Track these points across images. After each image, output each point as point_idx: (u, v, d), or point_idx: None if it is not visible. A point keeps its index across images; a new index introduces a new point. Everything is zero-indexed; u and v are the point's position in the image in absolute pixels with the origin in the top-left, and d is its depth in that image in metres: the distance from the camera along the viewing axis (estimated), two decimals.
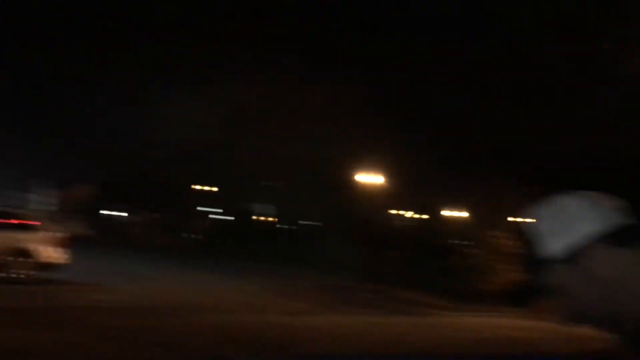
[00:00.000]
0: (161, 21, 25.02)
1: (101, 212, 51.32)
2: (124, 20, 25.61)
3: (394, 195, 23.18)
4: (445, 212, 20.74)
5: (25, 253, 12.20)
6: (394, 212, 26.32)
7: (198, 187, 35.54)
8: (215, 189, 34.51)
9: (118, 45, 24.60)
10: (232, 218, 29.05)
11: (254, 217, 29.73)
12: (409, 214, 26.67)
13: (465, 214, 16.32)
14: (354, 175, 23.01)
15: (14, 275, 12.02)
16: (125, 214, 52.20)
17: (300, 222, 23.86)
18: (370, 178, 23.45)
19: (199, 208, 37.26)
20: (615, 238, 0.96)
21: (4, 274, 11.91)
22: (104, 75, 26.50)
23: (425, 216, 23.03)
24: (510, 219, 14.53)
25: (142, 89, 24.90)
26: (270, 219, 30.20)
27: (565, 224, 1.00)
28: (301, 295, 13.65)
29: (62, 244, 12.86)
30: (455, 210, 19.93)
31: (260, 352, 7.26)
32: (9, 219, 12.71)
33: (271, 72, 24.10)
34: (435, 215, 20.06)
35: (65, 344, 6.92)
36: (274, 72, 24.08)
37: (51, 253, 12.49)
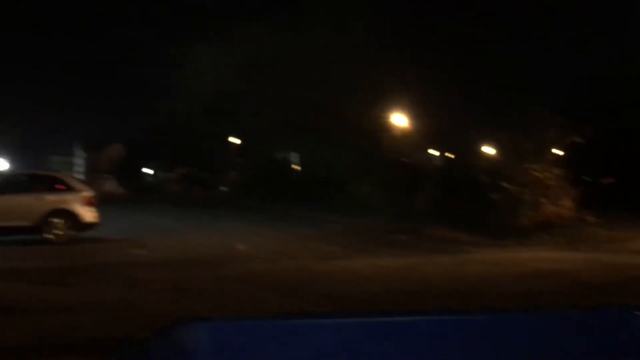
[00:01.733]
0: None
1: (133, 170, 52.13)
2: None
3: (424, 135, 22.80)
4: (479, 148, 20.31)
5: (66, 214, 12.54)
6: (424, 152, 25.98)
7: (232, 139, 35.54)
8: (242, 141, 34.51)
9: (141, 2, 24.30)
10: (262, 168, 29.04)
11: (284, 166, 29.71)
12: (440, 153, 26.30)
13: (498, 149, 15.92)
14: (382, 117, 22.63)
15: (56, 236, 12.38)
16: (157, 171, 52.91)
17: (330, 167, 23.71)
18: (398, 119, 23.05)
19: (227, 160, 37.45)
20: None
21: (48, 235, 12.30)
22: (129, 33, 26.28)
23: (457, 154, 22.64)
24: (546, 150, 14.14)
25: (170, 46, 24.67)
26: (299, 167, 30.15)
27: None
28: (335, 240, 13.63)
29: (97, 203, 13.13)
30: (488, 146, 19.49)
31: (301, 296, 7.24)
32: (50, 181, 13.07)
33: (296, 19, 23.56)
34: (468, 152, 19.65)
35: (115, 299, 6.99)
36: (299, 18, 23.54)
37: (88, 212, 12.77)
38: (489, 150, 19.86)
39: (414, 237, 14.03)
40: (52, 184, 13.10)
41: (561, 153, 14.27)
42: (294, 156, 30.41)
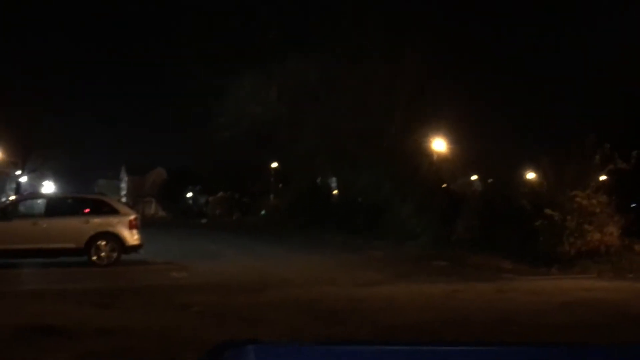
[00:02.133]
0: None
1: (175, 194, 53.09)
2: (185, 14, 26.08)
3: (464, 160, 22.60)
4: (521, 174, 20.01)
5: (112, 237, 12.88)
6: (464, 177, 25.71)
7: (272, 165, 35.96)
8: (282, 166, 34.85)
9: (184, 37, 25.14)
10: (302, 193, 29.21)
11: (323, 191, 29.82)
12: (481, 178, 25.98)
13: (541, 175, 15.63)
14: (421, 142, 22.57)
15: (101, 258, 12.71)
16: (198, 195, 53.77)
17: (369, 193, 23.69)
18: (438, 144, 22.94)
19: (268, 185, 37.78)
20: None
21: (95, 257, 12.64)
22: (175, 61, 27.14)
23: (498, 180, 22.33)
24: (590, 177, 13.83)
25: (215, 73, 25.36)
26: (338, 192, 30.21)
27: None
28: (375, 266, 13.58)
29: (139, 226, 13.43)
30: (531, 172, 19.18)
31: (342, 323, 7.23)
32: (96, 204, 13.46)
33: (332, 46, 23.89)
34: (509, 177, 19.37)
35: (158, 323, 7.12)
36: (335, 46, 23.86)
37: (132, 235, 13.07)
38: (531, 176, 19.54)
39: (453, 264, 13.86)
40: (99, 207, 13.47)
41: (606, 179, 13.92)
42: (334, 182, 30.52)
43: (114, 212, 13.37)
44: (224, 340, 1.65)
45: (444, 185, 22.48)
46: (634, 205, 13.76)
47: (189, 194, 55.51)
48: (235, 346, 1.62)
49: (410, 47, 22.21)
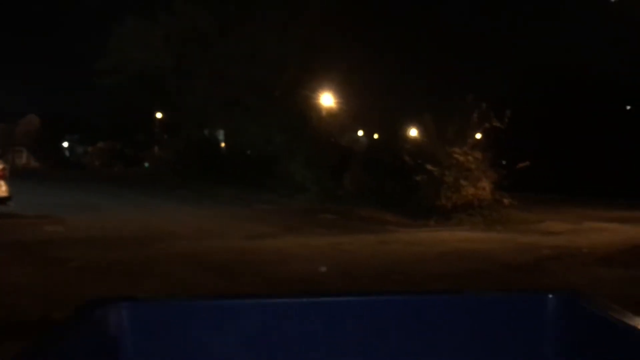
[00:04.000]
0: None
1: (51, 143, 49.65)
2: None
3: (352, 116, 23.05)
4: (404, 131, 20.80)
5: None
6: (352, 133, 26.29)
7: (157, 115, 34.50)
8: (168, 116, 33.59)
9: None
10: (189, 145, 28.42)
11: (212, 143, 29.21)
12: (367, 135, 26.71)
13: (423, 132, 16.34)
14: (311, 96, 22.65)
15: None
16: (76, 145, 50.65)
17: (258, 146, 23.53)
18: (327, 99, 23.15)
19: (152, 136, 36.38)
20: None
21: None
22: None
23: (383, 136, 23.08)
24: (468, 134, 14.63)
25: (93, 14, 23.57)
26: (224, 145, 29.77)
27: None
28: (263, 219, 13.63)
29: (7, 177, 12.44)
30: (413, 128, 19.99)
31: (231, 276, 7.20)
32: None
33: None
34: (394, 133, 20.08)
35: (31, 280, 6.68)
36: None
37: (0, 187, 12.09)
38: (414, 132, 20.37)
39: (340, 217, 14.26)
40: None
41: (481, 136, 14.81)
42: (221, 134, 29.96)
43: None
44: (95, 297, 1.52)
45: (333, 139, 22.85)
46: (504, 161, 14.77)
47: (66, 144, 52.16)
48: (106, 303, 1.51)
49: None
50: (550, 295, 1.62)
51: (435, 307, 1.65)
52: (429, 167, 14.57)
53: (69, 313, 1.41)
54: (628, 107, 30.15)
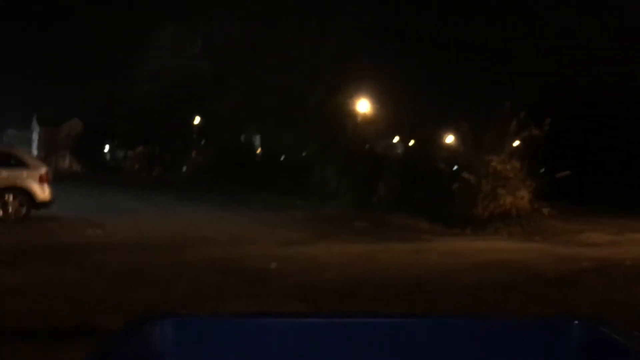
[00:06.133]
0: None
1: (92, 147, 50.87)
2: None
3: (388, 122, 22.93)
4: (441, 138, 20.59)
5: (20, 191, 12.17)
6: (386, 140, 26.15)
7: (195, 121, 34.99)
8: (205, 122, 34.03)
9: None
10: (225, 151, 28.71)
11: (247, 149, 29.46)
12: (403, 141, 26.51)
13: (460, 140, 16.13)
14: (346, 103, 22.65)
15: (11, 214, 12.03)
16: (116, 149, 51.77)
17: (293, 152, 23.62)
18: (362, 105, 23.10)
19: (189, 141, 36.87)
20: None
21: (1, 213, 11.95)
22: (97, 11, 25.64)
23: (420, 143, 22.86)
24: (506, 142, 14.39)
25: (137, 24, 24.21)
26: (259, 151, 29.96)
27: None
28: (296, 225, 13.64)
29: (51, 180, 12.78)
30: (450, 136, 19.76)
31: (263, 284, 7.22)
32: (3, 157, 12.62)
33: (264, 5, 23.30)
34: (430, 141, 19.89)
35: (69, 283, 6.83)
36: (267, 5, 23.28)
37: (43, 190, 12.42)
38: (450, 139, 20.13)
39: (374, 225, 14.16)
40: (6, 159, 12.64)
41: (519, 145, 14.55)
42: (257, 140, 30.19)
43: (22, 165, 12.59)
44: (143, 313, 1.64)
45: (367, 146, 22.77)
46: (543, 170, 14.46)
47: (106, 148, 53.34)
48: (153, 319, 1.61)
49: (338, 7, 22.01)
50: (575, 322, 1.63)
51: (458, 330, 1.67)
52: (465, 175, 14.36)
53: (106, 317, 1.52)
54: None
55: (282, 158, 25.19)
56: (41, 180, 12.49)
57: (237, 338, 1.64)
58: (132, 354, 1.44)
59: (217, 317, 1.78)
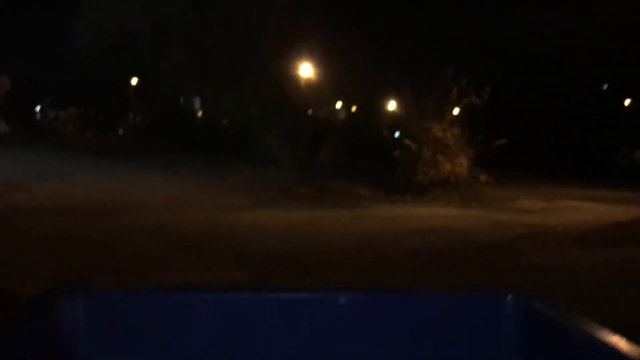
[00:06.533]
0: None
1: (22, 106, 48.39)
2: None
3: (330, 88, 22.76)
4: (383, 105, 20.64)
5: None
6: (329, 105, 26.02)
7: (132, 81, 33.70)
8: (143, 82, 32.86)
9: None
10: (164, 112, 27.84)
11: (187, 112, 28.68)
12: (345, 108, 26.47)
13: (402, 106, 16.18)
14: (288, 67, 22.28)
15: None
16: (48, 109, 49.46)
17: (234, 116, 23.16)
18: (305, 69, 22.80)
19: (126, 102, 35.62)
20: None
21: None
22: None
23: (362, 109, 22.87)
24: (447, 110, 14.52)
25: None
26: (200, 114, 29.27)
27: None
28: (236, 191, 13.42)
29: None
30: (392, 102, 19.83)
31: (200, 252, 7.02)
32: None
33: None
34: (373, 107, 19.90)
35: None
36: None
37: None
38: (393, 106, 20.21)
39: (315, 191, 14.12)
40: None
41: (459, 112, 14.73)
42: (198, 102, 29.42)
43: None
44: (52, 288, 1.48)
45: (310, 111, 22.58)
46: (481, 138, 14.74)
47: (38, 108, 50.88)
48: (61, 294, 1.46)
49: None
50: (509, 297, 1.61)
51: (393, 305, 1.63)
52: (406, 141, 14.46)
53: (31, 287, 1.32)
54: (605, 87, 30.38)
55: (223, 122, 24.68)
56: None
57: (155, 316, 1.50)
58: (35, 335, 1.28)
59: (134, 292, 1.60)
